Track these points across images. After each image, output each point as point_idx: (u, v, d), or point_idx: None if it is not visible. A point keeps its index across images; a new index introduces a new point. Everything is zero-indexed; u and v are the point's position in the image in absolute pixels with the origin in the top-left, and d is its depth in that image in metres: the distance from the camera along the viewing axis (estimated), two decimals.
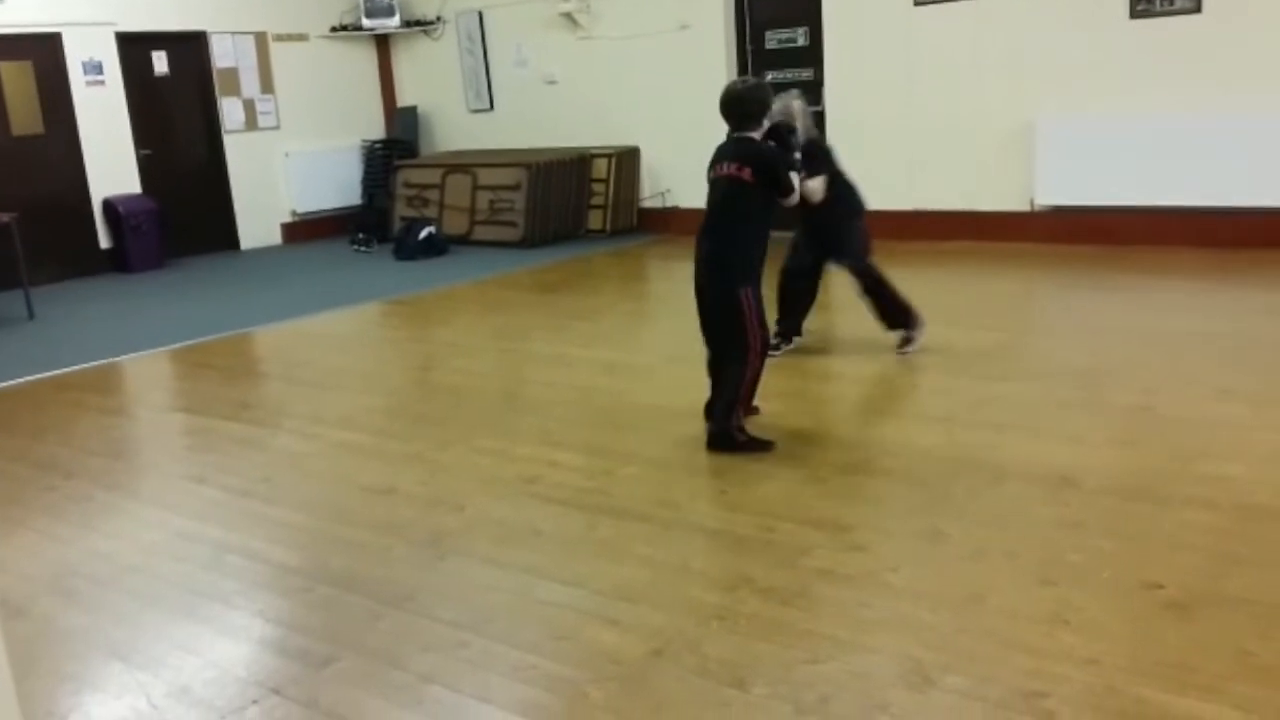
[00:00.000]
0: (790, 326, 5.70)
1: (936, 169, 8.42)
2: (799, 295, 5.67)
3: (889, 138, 8.49)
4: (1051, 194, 7.93)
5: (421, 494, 4.11)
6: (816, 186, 5.11)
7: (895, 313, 5.50)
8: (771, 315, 4.85)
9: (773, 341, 5.02)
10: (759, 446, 4.26)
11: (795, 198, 4.36)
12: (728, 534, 3.58)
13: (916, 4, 8.33)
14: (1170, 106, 7.36)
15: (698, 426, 4.54)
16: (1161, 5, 7.31)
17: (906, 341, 5.49)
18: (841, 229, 5.46)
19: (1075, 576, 3.11)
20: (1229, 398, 4.51)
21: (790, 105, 5.18)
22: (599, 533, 3.63)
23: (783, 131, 4.41)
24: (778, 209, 4.34)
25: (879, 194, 8.45)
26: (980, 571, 3.18)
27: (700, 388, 4.57)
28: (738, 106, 4.29)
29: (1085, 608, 2.93)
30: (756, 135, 4.27)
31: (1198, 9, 7.18)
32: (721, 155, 4.32)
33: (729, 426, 4.26)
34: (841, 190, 5.37)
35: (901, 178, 8.50)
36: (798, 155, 4.46)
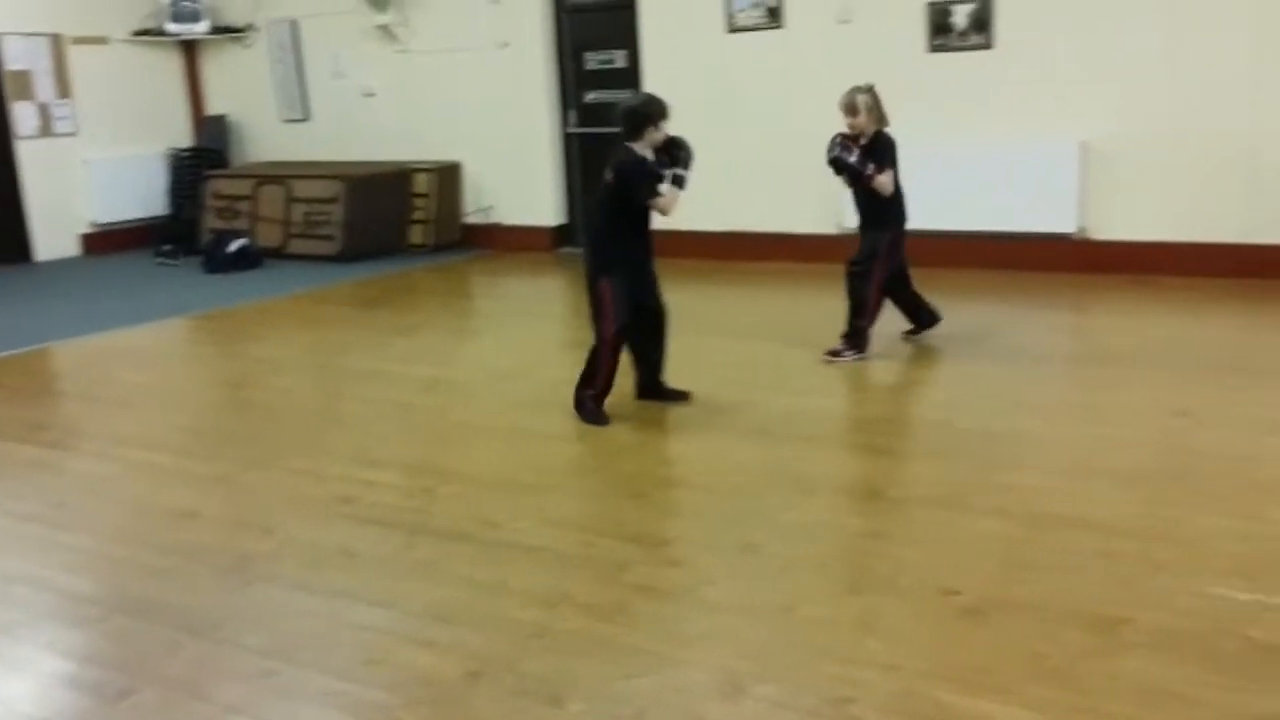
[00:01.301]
0: (919, 321, 5.92)
1: (751, 192, 8.64)
2: (901, 297, 5.84)
3: (706, 160, 8.50)
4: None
5: (228, 517, 3.95)
6: (885, 181, 5.47)
7: (853, 330, 5.62)
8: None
9: (911, 328, 5.91)
10: (597, 419, 4.77)
11: (663, 208, 4.71)
12: (548, 551, 3.56)
13: (730, 31, 8.55)
14: (965, 136, 7.77)
15: (519, 442, 4.53)
16: (957, 40, 7.73)
17: (836, 354, 5.61)
18: (865, 234, 5.66)
19: (880, 585, 3.23)
20: (1022, 411, 4.78)
21: (854, 99, 5.43)
22: (416, 553, 3.57)
23: (671, 148, 4.74)
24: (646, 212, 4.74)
25: (696, 216, 8.61)
26: (792, 582, 3.27)
27: (520, 405, 4.60)
28: (619, 120, 4.77)
29: (889, 615, 3.05)
30: (636, 145, 4.68)
31: (989, 45, 7.61)
32: None
33: (581, 394, 4.82)
34: (892, 198, 5.57)
35: (718, 200, 8.68)
36: (682, 171, 4.75)
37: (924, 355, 5.76)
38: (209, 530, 3.84)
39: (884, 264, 5.62)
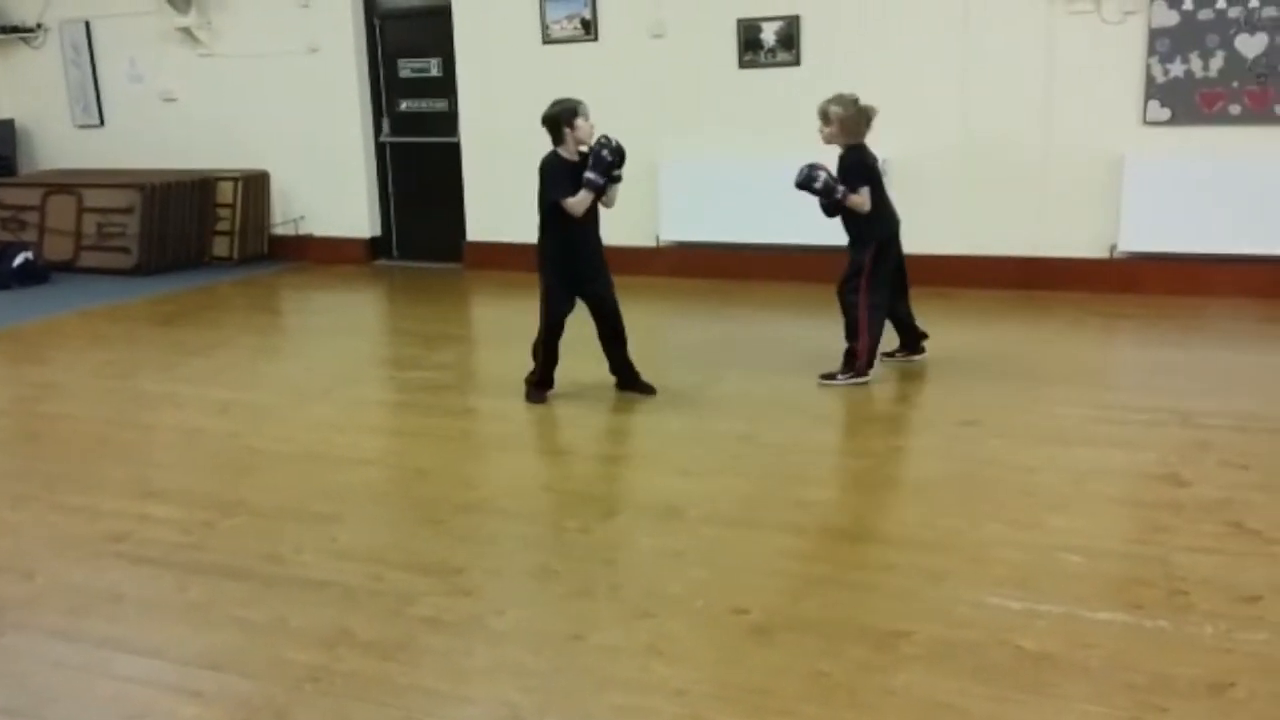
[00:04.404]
0: (905, 341, 5.71)
1: None
2: (894, 313, 5.60)
3: (521, 171, 8.48)
4: (674, 231, 8.32)
5: None
6: (858, 200, 5.27)
7: (848, 352, 5.39)
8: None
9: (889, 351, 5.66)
10: (531, 398, 5.23)
11: (570, 208, 4.98)
12: (334, 585, 3.41)
13: (545, 42, 8.50)
14: (775, 151, 7.90)
15: (314, 468, 4.36)
16: (766, 58, 7.87)
17: (830, 377, 5.39)
18: (850, 252, 5.42)
19: (672, 607, 3.21)
20: (823, 425, 4.87)
21: (826, 108, 5.29)
22: (189, 595, 3.36)
23: (591, 151, 4.98)
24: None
25: (511, 227, 8.50)
26: (584, 608, 3.23)
27: (324, 427, 4.44)
28: (543, 124, 5.08)
29: (679, 638, 3.04)
30: (562, 150, 5.05)
31: (797, 62, 7.78)
32: None
33: (528, 376, 5.26)
34: (871, 213, 5.31)
35: (533, 211, 8.62)
36: (591, 175, 4.94)
37: (729, 367, 5.79)
38: None
39: (872, 280, 5.34)
